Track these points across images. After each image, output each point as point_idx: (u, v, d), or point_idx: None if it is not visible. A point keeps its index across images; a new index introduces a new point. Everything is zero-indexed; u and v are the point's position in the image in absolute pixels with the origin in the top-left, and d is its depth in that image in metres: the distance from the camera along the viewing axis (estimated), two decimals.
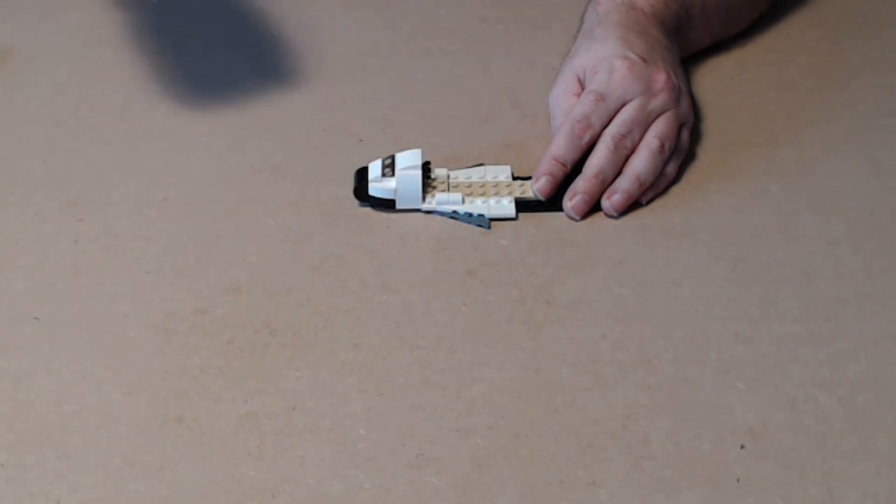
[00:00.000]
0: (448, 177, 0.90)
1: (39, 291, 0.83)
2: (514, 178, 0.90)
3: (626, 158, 0.89)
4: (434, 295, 0.83)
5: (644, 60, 0.91)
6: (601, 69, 0.91)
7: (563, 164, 0.89)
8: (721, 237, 0.87)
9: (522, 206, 0.89)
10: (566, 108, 0.91)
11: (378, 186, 0.88)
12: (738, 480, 0.72)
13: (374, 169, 0.88)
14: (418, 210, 0.88)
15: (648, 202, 0.89)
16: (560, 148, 0.89)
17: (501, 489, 0.72)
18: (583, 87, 0.92)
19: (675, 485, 0.72)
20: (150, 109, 0.98)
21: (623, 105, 0.90)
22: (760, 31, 1.05)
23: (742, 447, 0.74)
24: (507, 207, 0.88)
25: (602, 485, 0.72)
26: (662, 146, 0.89)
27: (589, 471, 0.72)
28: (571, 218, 0.88)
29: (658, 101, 0.90)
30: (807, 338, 0.80)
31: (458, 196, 0.88)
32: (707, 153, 0.93)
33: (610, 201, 0.88)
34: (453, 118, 0.96)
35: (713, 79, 1.00)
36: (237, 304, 0.82)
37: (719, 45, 1.02)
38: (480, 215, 0.88)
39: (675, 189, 0.90)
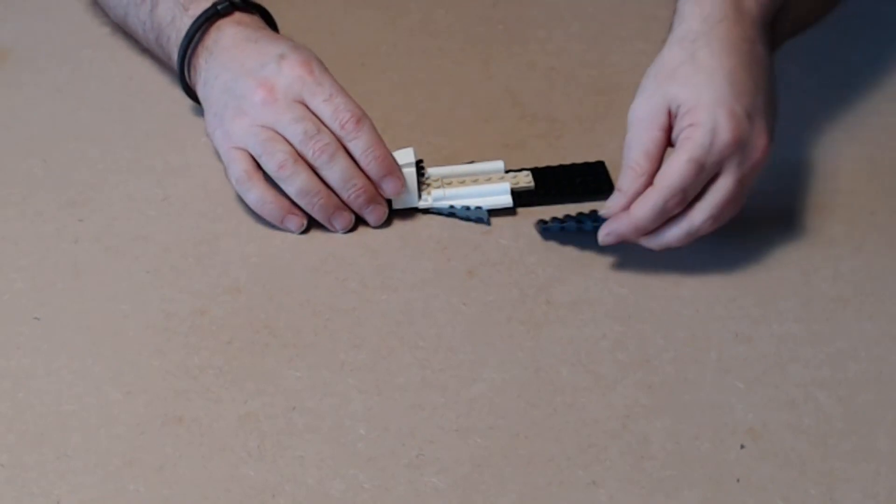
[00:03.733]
0: (441, 175, 0.90)
1: (39, 291, 0.83)
2: (507, 171, 0.90)
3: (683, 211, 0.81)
4: (434, 295, 0.83)
5: (749, 116, 0.80)
6: (702, 123, 0.79)
7: (642, 232, 0.81)
8: (721, 237, 0.87)
9: (518, 197, 0.89)
10: (646, 142, 0.81)
11: None
12: (738, 480, 0.72)
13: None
14: (415, 208, 0.88)
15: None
16: (646, 218, 0.80)
17: (501, 489, 0.72)
18: (671, 120, 0.81)
19: (675, 485, 0.72)
20: (150, 109, 0.98)
21: (719, 170, 0.80)
22: None
23: (742, 447, 0.74)
24: (503, 198, 0.88)
25: (602, 485, 0.72)
26: (719, 218, 0.81)
27: (589, 471, 0.72)
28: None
29: (753, 174, 0.81)
30: (807, 338, 0.80)
31: (454, 191, 0.88)
32: None
33: (652, 242, 0.82)
34: (453, 118, 0.96)
35: None
36: (237, 304, 0.82)
37: None
38: (478, 208, 0.88)
39: None
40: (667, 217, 0.81)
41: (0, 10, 1.07)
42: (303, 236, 0.87)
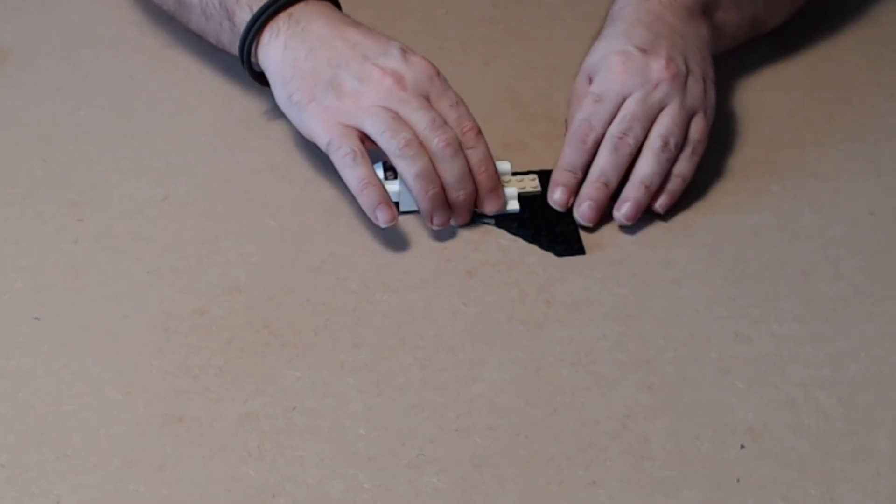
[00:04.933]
0: None
1: (39, 291, 0.83)
2: (514, 174, 0.90)
3: (631, 157, 0.87)
4: (434, 295, 0.83)
5: (643, 51, 0.88)
6: (601, 68, 0.89)
7: (573, 172, 0.87)
8: (721, 237, 0.87)
9: (525, 201, 0.88)
10: (573, 111, 0.90)
11: None
12: (738, 480, 0.72)
13: (377, 172, 0.88)
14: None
15: (666, 212, 0.87)
16: (567, 156, 0.88)
17: (501, 489, 0.72)
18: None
19: (675, 485, 0.72)
20: (150, 109, 0.98)
21: (623, 102, 0.88)
22: None
23: (742, 447, 0.74)
24: (511, 203, 0.88)
25: (602, 485, 0.72)
26: (666, 144, 0.86)
27: (589, 471, 0.72)
28: (584, 227, 0.87)
29: (659, 93, 0.87)
30: (807, 338, 0.80)
31: None
32: (707, 153, 0.93)
33: (620, 213, 0.86)
34: None
35: None
36: (237, 304, 0.82)
37: None
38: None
39: None
40: (586, 151, 0.87)
41: (0, 10, 1.07)
42: (303, 236, 0.87)
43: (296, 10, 0.90)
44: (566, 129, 0.90)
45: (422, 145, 0.85)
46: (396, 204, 0.87)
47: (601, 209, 0.86)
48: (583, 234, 0.87)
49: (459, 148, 0.85)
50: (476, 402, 0.76)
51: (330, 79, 0.87)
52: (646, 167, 0.86)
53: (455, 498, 0.71)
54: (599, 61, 0.89)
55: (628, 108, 0.87)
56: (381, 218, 0.84)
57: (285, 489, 0.72)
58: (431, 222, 0.86)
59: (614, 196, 0.87)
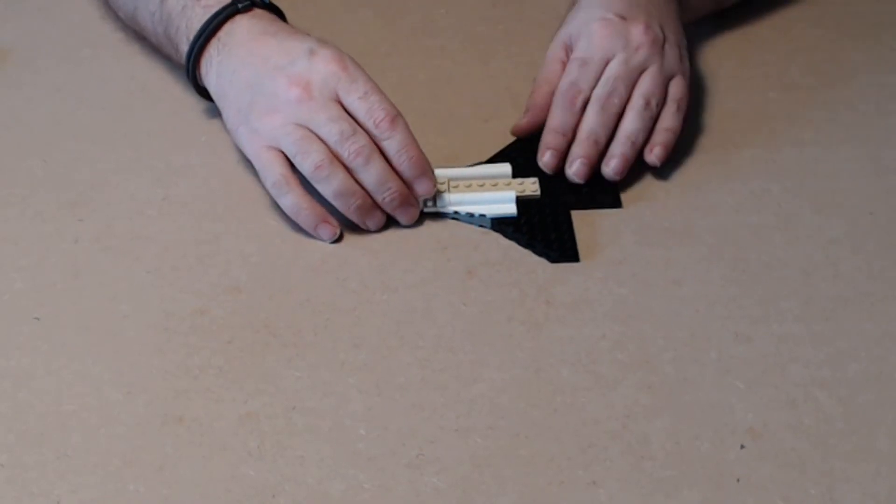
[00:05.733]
0: (447, 177, 0.90)
1: (39, 291, 0.83)
2: (514, 177, 0.90)
3: (618, 116, 0.90)
4: (434, 295, 0.83)
5: (622, 18, 0.92)
6: (582, 35, 0.92)
7: (563, 134, 0.90)
8: (721, 237, 0.87)
9: (523, 204, 0.88)
10: (549, 75, 0.93)
11: None
12: (738, 480, 0.72)
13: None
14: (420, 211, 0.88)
15: (662, 162, 0.90)
16: (556, 119, 0.90)
17: (501, 489, 0.72)
18: (568, 56, 0.93)
19: (675, 485, 0.72)
20: (151, 109, 0.98)
21: (606, 65, 0.91)
22: (761, 29, 1.05)
23: (742, 447, 0.74)
24: (508, 207, 0.88)
25: (602, 485, 0.72)
26: (648, 103, 0.90)
27: (589, 471, 0.72)
28: (577, 183, 0.89)
29: (640, 56, 0.91)
30: (807, 338, 0.80)
31: (458, 197, 0.88)
32: (707, 153, 0.93)
33: (609, 167, 0.89)
34: (453, 118, 0.96)
35: (714, 79, 1.00)
36: (237, 304, 0.82)
37: (719, 45, 1.03)
38: (482, 215, 0.87)
39: (675, 189, 0.90)
40: (575, 113, 0.90)
41: (0, 10, 1.07)
42: (303, 236, 0.87)
43: (223, 32, 0.91)
44: (532, 93, 0.94)
45: (335, 161, 0.85)
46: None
47: (593, 166, 0.89)
48: (581, 233, 0.87)
49: (373, 152, 0.85)
50: (476, 402, 0.76)
51: (250, 101, 0.88)
52: (630, 124, 0.90)
53: (455, 498, 0.71)
54: (580, 28, 0.93)
55: (612, 70, 0.91)
56: (324, 235, 0.86)
57: (285, 489, 0.72)
58: (369, 229, 0.87)
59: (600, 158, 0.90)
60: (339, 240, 0.86)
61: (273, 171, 0.86)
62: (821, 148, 0.94)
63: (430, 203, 0.88)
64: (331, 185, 0.85)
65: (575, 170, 0.89)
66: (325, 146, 0.85)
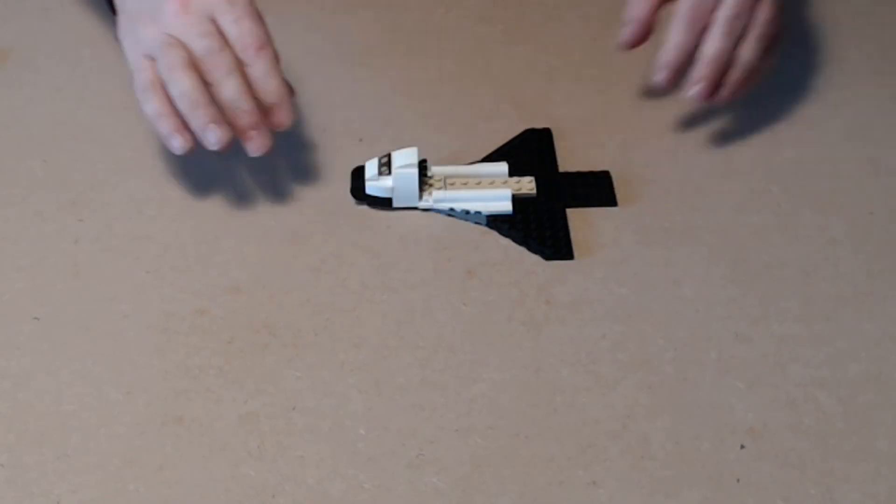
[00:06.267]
0: (444, 174, 0.90)
1: (39, 291, 0.83)
2: (511, 175, 0.90)
3: (738, 41, 0.89)
4: (434, 295, 0.83)
5: None
6: None
7: (687, 53, 0.90)
8: (721, 237, 0.87)
9: (519, 202, 0.88)
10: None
11: (375, 185, 0.88)
12: (738, 480, 0.72)
13: (371, 168, 0.89)
14: (415, 208, 0.88)
15: (727, 102, 0.91)
16: (678, 38, 0.89)
17: (501, 489, 0.72)
18: None
19: (675, 485, 0.72)
20: None
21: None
22: None
23: (742, 447, 0.74)
24: (504, 205, 0.88)
25: (602, 485, 0.72)
26: (766, 34, 0.90)
27: (589, 471, 0.73)
28: (696, 101, 0.90)
29: None
30: (807, 338, 0.80)
31: (455, 194, 0.88)
32: (707, 153, 0.93)
33: (725, 91, 0.90)
34: (453, 118, 0.96)
35: None
36: (237, 304, 0.82)
37: None
38: (478, 213, 0.88)
39: (675, 189, 0.90)
40: (699, 32, 0.89)
41: (0, 10, 1.07)
42: (303, 236, 0.87)
43: None
44: (630, 5, 0.92)
45: (192, 67, 0.85)
46: (390, 200, 0.88)
47: (714, 89, 0.90)
48: (582, 234, 0.87)
49: (235, 69, 0.85)
50: (476, 402, 0.76)
51: (137, 12, 0.89)
52: (747, 53, 0.89)
53: (455, 498, 0.71)
54: None
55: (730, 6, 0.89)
56: (175, 144, 0.85)
57: (285, 489, 0.72)
58: (208, 143, 0.85)
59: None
60: (189, 153, 0.85)
61: (143, 76, 0.87)
62: (820, 148, 0.94)
63: (427, 199, 0.88)
64: (177, 86, 0.84)
65: (699, 90, 0.89)
66: (189, 56, 0.85)
